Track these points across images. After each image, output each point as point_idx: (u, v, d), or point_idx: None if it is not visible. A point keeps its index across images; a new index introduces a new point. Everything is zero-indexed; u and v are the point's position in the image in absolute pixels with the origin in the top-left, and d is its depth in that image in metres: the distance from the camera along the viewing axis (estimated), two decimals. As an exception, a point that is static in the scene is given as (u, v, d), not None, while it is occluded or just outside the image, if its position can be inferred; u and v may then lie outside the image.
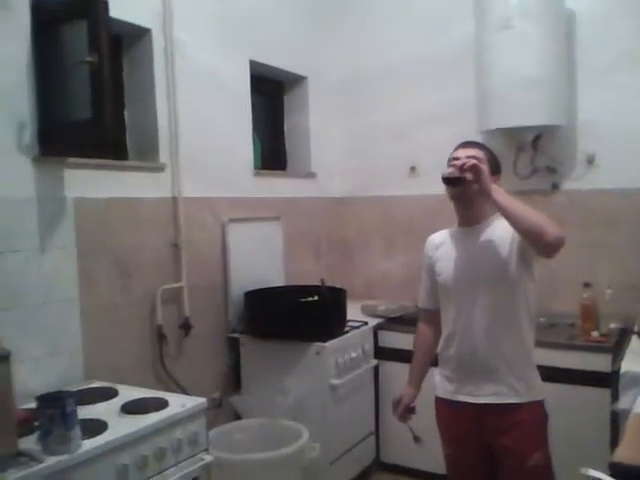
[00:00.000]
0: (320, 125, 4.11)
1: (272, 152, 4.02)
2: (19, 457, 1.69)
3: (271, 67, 3.71)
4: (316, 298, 3.33)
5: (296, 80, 4.04)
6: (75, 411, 1.78)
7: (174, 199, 2.94)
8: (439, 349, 2.25)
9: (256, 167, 3.59)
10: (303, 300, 3.30)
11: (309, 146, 4.07)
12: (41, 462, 1.69)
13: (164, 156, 2.91)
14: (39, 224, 2.33)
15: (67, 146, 2.45)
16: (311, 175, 4.07)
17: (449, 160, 2.13)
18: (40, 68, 2.33)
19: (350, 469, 3.26)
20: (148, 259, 2.80)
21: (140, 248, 2.76)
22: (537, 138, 3.50)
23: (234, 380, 3.27)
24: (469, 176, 1.95)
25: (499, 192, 1.92)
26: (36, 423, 1.82)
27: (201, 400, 2.24)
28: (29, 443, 1.78)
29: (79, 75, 2.24)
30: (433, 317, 2.29)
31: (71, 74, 2.29)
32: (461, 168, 1.96)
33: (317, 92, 4.10)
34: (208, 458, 2.21)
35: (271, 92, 4.04)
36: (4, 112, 2.22)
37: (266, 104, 4.00)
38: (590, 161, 3.44)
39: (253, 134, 3.56)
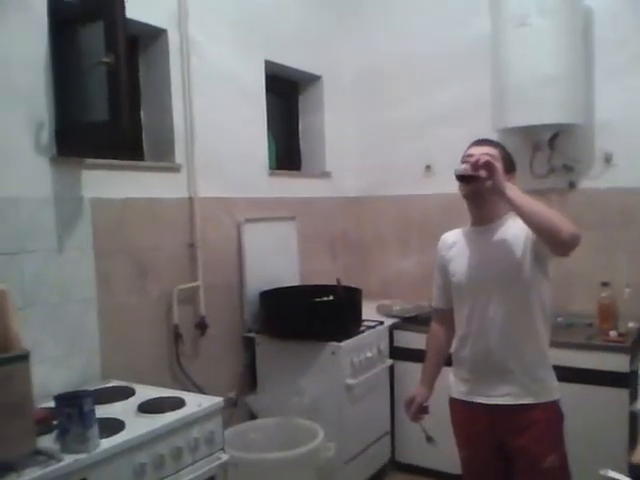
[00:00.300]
0: (335, 124, 4.11)
1: (287, 152, 4.03)
2: (37, 456, 1.71)
3: (286, 67, 3.71)
4: (331, 298, 3.32)
5: (311, 79, 4.04)
6: (93, 410, 1.79)
7: (190, 199, 2.95)
8: (453, 350, 2.23)
9: (271, 167, 3.59)
10: (318, 300, 3.30)
11: (324, 146, 4.07)
12: (59, 461, 1.70)
13: (180, 156, 2.92)
14: (56, 224, 2.35)
15: (84, 147, 2.47)
16: (326, 175, 4.07)
17: (463, 157, 2.11)
18: (57, 69, 2.35)
19: (365, 469, 3.26)
20: (164, 259, 2.82)
21: (156, 248, 2.78)
22: (554, 137, 3.47)
23: (250, 379, 3.28)
24: (482, 173, 1.93)
25: (513, 189, 1.90)
26: (54, 422, 1.84)
27: (217, 399, 2.25)
28: (47, 442, 1.79)
29: (96, 76, 2.26)
30: (446, 317, 2.27)
31: (88, 75, 2.31)
32: (474, 165, 1.94)
33: (332, 91, 4.09)
34: (224, 457, 2.22)
35: (286, 92, 4.04)
36: (22, 112, 2.23)
37: (281, 104, 4.00)
38: (608, 159, 3.41)
39: (268, 134, 3.56)
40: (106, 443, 1.83)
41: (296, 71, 3.85)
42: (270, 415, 3.06)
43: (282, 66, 3.67)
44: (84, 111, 2.37)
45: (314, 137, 4.09)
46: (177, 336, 2.82)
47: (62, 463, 1.70)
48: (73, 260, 2.40)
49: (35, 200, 2.27)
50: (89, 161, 2.48)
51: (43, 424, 1.85)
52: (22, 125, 2.24)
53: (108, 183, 2.56)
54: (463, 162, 2.06)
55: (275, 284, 3.36)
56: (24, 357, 1.70)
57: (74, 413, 1.76)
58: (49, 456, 1.71)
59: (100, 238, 2.51)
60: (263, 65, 3.48)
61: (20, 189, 2.22)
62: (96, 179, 2.51)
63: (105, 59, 2.19)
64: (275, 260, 3.46)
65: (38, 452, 1.72)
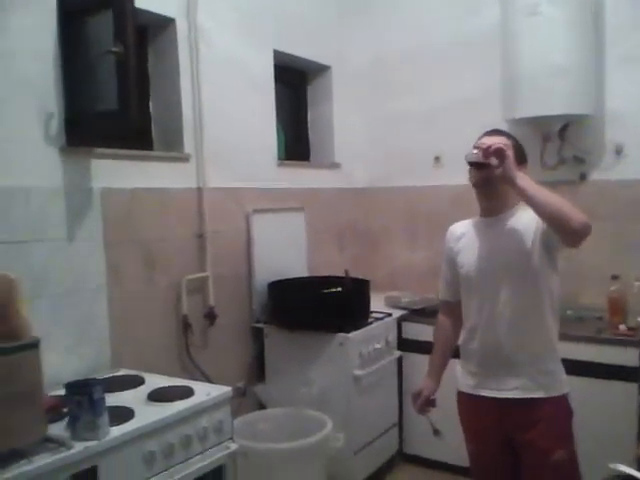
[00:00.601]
0: (344, 115, 4.10)
1: (296, 142, 4.02)
2: (48, 443, 1.72)
3: (295, 57, 3.70)
4: (340, 289, 3.32)
5: (320, 69, 4.03)
6: (103, 398, 1.81)
7: (199, 189, 2.95)
8: (461, 342, 2.22)
9: (280, 157, 3.59)
10: (327, 291, 3.29)
11: (333, 136, 4.06)
12: (70, 448, 1.71)
13: (189, 146, 2.92)
14: (66, 214, 2.35)
15: (93, 136, 2.47)
16: (335, 165, 4.06)
17: (474, 147, 2.09)
18: (67, 59, 2.35)
19: (373, 460, 3.26)
20: (173, 249, 2.82)
21: (165, 238, 2.78)
22: (564, 127, 3.44)
23: (258, 370, 3.29)
24: (493, 161, 1.91)
25: (524, 178, 1.88)
26: (65, 410, 1.85)
27: (226, 389, 2.25)
28: (58, 429, 1.81)
29: (105, 66, 2.26)
30: (453, 309, 2.25)
31: (97, 65, 2.31)
32: (485, 151, 1.93)
33: (341, 81, 4.08)
34: (233, 446, 2.22)
35: (294, 82, 4.03)
36: (32, 102, 2.24)
37: (289, 94, 3.99)
38: (619, 151, 3.38)
39: (277, 124, 3.55)
40: (116, 431, 1.84)
41: (305, 61, 3.84)
42: (278, 405, 3.07)
43: (291, 56, 3.66)
44: (93, 101, 2.37)
45: (323, 127, 4.08)
46: (186, 326, 2.83)
47: (72, 450, 1.71)
48: (83, 250, 2.41)
49: (45, 190, 2.28)
50: (98, 151, 2.48)
51: (53, 412, 1.86)
52: (32, 115, 2.24)
53: (117, 173, 2.57)
54: (474, 148, 2.04)
55: (283, 275, 3.36)
56: (34, 345, 1.71)
57: (84, 401, 1.77)
58: (59, 443, 1.72)
59: (109, 228, 2.51)
60: (272, 54, 3.48)
61: (30, 179, 2.23)
62: (105, 169, 2.51)
63: (114, 49, 2.18)
64: (283, 251, 3.46)
65: (48, 439, 1.73)
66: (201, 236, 2.95)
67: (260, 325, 3.26)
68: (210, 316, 2.97)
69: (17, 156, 2.19)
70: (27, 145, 2.22)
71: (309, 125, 4.14)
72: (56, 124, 2.32)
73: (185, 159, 2.91)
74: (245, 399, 3.16)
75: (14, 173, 2.17)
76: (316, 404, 2.97)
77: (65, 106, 2.34)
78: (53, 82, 2.31)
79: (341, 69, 4.07)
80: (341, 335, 3.00)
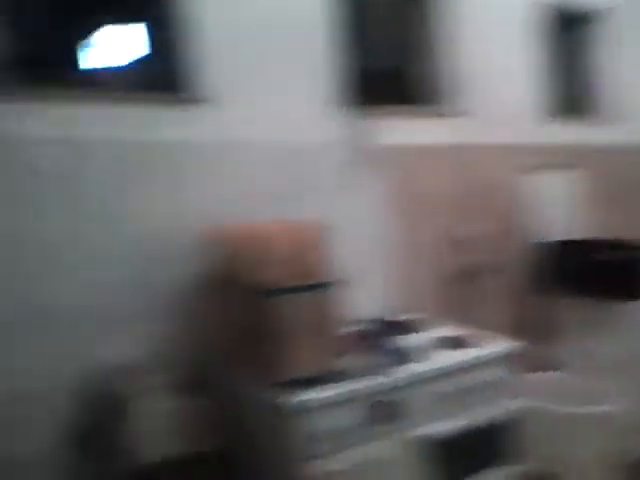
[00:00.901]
0: (629, 63, 3.68)
1: (570, 95, 3.69)
2: (341, 375, 1.80)
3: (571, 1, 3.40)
4: (627, 254, 3.00)
5: (599, 13, 3.62)
6: (396, 338, 1.85)
7: (466, 145, 2.90)
8: None
9: (552, 112, 3.35)
10: (614, 256, 2.99)
11: (615, 87, 3.67)
12: (363, 381, 1.79)
13: (459, 102, 2.90)
14: (347, 167, 2.50)
15: (371, 94, 2.54)
16: (616, 120, 3.66)
17: None
18: (348, 20, 2.46)
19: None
20: (444, 203, 2.83)
21: (437, 192, 2.80)
22: None
23: (541, 331, 3.11)
24: None
25: None
26: (365, 346, 1.93)
27: (513, 345, 2.18)
28: (351, 363, 1.88)
29: (380, 27, 2.31)
30: None
31: (375, 26, 2.37)
32: None
33: (624, 26, 3.65)
34: (518, 403, 2.15)
35: (571, 28, 3.68)
36: (312, 61, 2.40)
37: (565, 41, 3.65)
38: None
39: (549, 75, 3.32)
40: (406, 370, 1.88)
41: (583, 4, 3.49)
42: (560, 369, 2.90)
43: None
44: (369, 60, 2.47)
45: (603, 77, 3.69)
46: (465, 278, 2.83)
47: (363, 383, 1.79)
48: (363, 200, 2.55)
49: (323, 144, 2.45)
50: (375, 108, 2.57)
51: (349, 346, 1.94)
52: (312, 73, 2.41)
53: (391, 129, 2.63)
54: None
55: (555, 236, 3.15)
56: (342, 283, 1.84)
57: (378, 339, 1.84)
58: (351, 376, 1.81)
59: (386, 181, 2.60)
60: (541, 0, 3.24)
61: (309, 134, 2.41)
62: (380, 125, 2.58)
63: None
64: (556, 210, 3.24)
65: (341, 372, 1.81)
66: (471, 192, 2.90)
67: (541, 286, 3.10)
68: (486, 271, 2.91)
69: (300, 113, 2.38)
70: (309, 103, 2.40)
71: (588, 75, 3.76)
72: (336, 82, 2.44)
73: (455, 115, 2.89)
74: (526, 359, 3.02)
75: (297, 129, 2.38)
76: (602, 373, 2.73)
77: (344, 65, 2.46)
78: (333, 42, 2.42)
79: (625, 12, 3.64)
80: (631, 303, 2.78)
